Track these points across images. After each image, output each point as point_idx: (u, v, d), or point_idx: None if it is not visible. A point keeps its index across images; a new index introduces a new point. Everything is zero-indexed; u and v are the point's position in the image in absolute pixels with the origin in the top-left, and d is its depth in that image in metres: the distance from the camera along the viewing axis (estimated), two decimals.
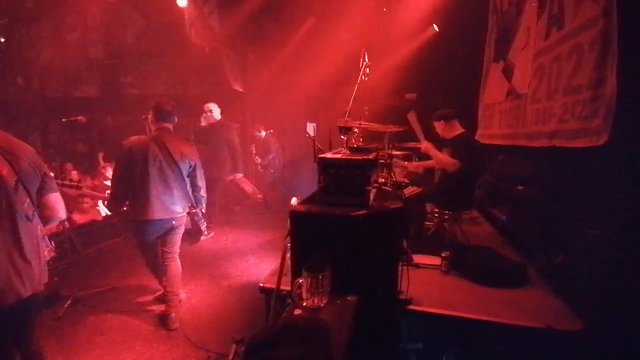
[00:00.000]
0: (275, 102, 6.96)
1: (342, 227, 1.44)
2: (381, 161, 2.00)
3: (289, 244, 2.00)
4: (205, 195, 3.08)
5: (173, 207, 2.82)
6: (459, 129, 3.25)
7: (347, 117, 1.97)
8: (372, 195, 1.55)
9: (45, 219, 1.74)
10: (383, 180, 1.99)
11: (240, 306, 3.19)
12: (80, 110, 3.25)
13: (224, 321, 3.00)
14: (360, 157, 1.52)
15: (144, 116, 3.00)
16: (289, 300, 1.46)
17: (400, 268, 1.72)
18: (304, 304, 1.30)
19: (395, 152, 2.71)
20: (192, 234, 4.18)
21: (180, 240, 2.99)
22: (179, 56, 7.01)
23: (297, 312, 1.28)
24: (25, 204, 1.59)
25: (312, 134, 2.25)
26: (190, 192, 2.94)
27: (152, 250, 2.97)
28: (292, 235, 1.56)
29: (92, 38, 7.57)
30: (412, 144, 3.25)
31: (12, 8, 7.26)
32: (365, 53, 2.37)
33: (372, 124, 2.51)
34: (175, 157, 2.81)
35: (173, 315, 2.91)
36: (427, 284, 2.46)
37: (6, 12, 7.48)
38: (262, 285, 2.46)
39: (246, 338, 2.00)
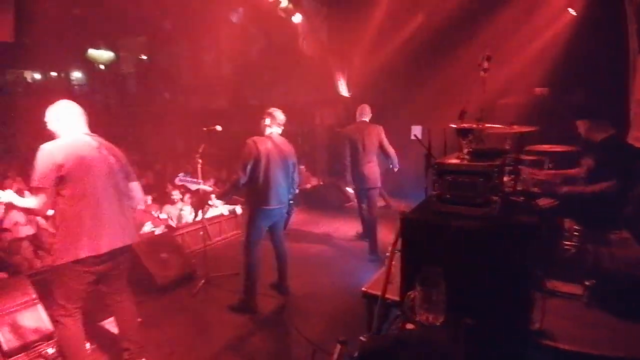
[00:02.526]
0: (378, 105, 6.91)
1: (462, 240, 1.30)
2: (508, 168, 1.74)
3: (397, 251, 1.94)
4: (297, 190, 3.60)
5: (283, 197, 3.27)
6: (608, 130, 2.64)
7: (464, 117, 1.80)
8: (497, 207, 1.37)
9: (133, 199, 2.40)
10: (511, 189, 1.73)
11: (343, 307, 3.23)
12: (214, 120, 3.79)
13: (326, 319, 3.09)
14: (484, 163, 1.35)
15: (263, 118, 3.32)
16: (398, 312, 1.39)
17: (532, 294, 1.47)
18: (417, 318, 1.22)
19: (525, 157, 2.35)
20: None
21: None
22: (292, 68, 7.59)
23: (409, 326, 1.20)
24: (122, 184, 2.29)
25: (419, 136, 2.14)
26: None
27: (259, 239, 3.27)
28: (403, 243, 1.49)
29: (224, 57, 8.86)
30: (545, 147, 2.77)
31: (152, 28, 8.92)
32: (487, 46, 2.14)
33: (492, 124, 2.23)
34: (286, 155, 3.25)
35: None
36: (562, 316, 2.06)
37: (146, 31, 9.28)
38: (364, 290, 2.43)
39: (349, 340, 2.02)
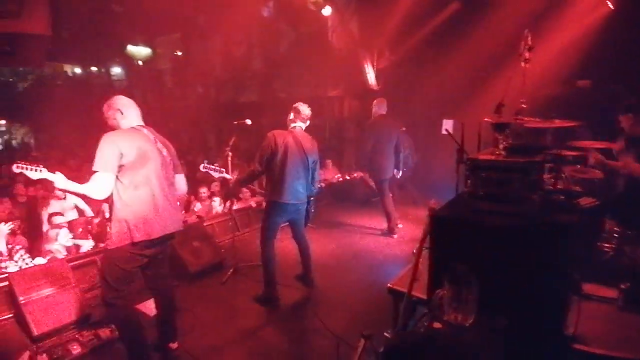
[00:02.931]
0: (408, 98, 6.74)
1: (495, 239, 1.25)
2: (549, 165, 1.64)
3: (425, 248, 1.90)
4: (318, 187, 3.55)
5: (300, 194, 3.23)
6: None
7: (501, 111, 1.72)
8: (535, 205, 1.30)
9: (177, 190, 2.52)
10: (551, 187, 1.64)
11: (367, 302, 3.22)
12: (244, 114, 3.87)
13: (351, 313, 3.10)
14: (522, 159, 1.29)
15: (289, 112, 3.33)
16: (424, 310, 1.37)
17: (567, 297, 1.40)
18: (445, 317, 1.19)
19: (567, 152, 2.22)
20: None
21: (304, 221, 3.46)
22: (320, 60, 7.56)
23: (437, 325, 1.18)
24: (171, 175, 2.41)
25: (450, 131, 2.07)
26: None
27: (274, 233, 3.26)
28: (432, 241, 1.46)
29: (254, 52, 8.98)
30: (587, 143, 2.61)
31: (185, 24, 9.14)
32: (529, 34, 2.03)
33: (530, 118, 2.13)
34: (306, 152, 3.21)
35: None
36: (596, 320, 1.96)
37: (181, 27, 9.54)
38: (390, 286, 2.41)
39: (374, 335, 2.01)
